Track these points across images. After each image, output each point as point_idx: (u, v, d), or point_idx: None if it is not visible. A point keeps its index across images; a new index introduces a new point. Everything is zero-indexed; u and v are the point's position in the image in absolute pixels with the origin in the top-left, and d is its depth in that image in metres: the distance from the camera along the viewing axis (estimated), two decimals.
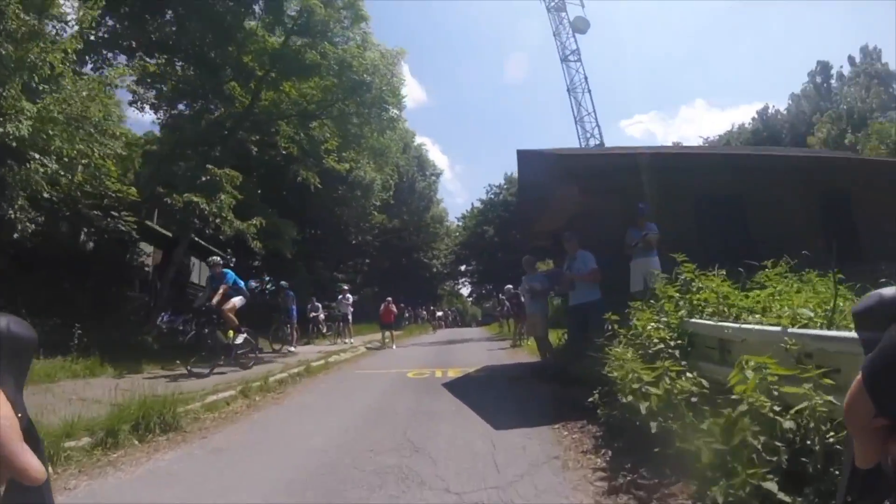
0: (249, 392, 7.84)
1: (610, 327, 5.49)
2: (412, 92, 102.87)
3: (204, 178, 12.84)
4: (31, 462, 0.65)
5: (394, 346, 17.02)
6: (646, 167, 8.42)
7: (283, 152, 19.32)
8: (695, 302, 4.92)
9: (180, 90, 17.68)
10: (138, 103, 18.59)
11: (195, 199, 11.83)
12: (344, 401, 7.27)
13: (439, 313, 41.75)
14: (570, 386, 6.64)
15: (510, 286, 16.74)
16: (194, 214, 12.21)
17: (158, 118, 19.65)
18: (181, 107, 19.34)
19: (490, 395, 7.04)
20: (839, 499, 0.91)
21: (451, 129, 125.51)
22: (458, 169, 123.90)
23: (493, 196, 54.03)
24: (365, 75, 16.11)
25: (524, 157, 10.94)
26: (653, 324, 4.70)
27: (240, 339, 10.07)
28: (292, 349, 14.84)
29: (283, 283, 16.08)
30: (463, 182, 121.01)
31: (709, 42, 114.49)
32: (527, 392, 7.15)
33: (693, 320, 4.54)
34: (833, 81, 44.65)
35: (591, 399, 4.76)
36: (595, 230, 8.45)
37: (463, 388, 7.73)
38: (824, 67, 45.30)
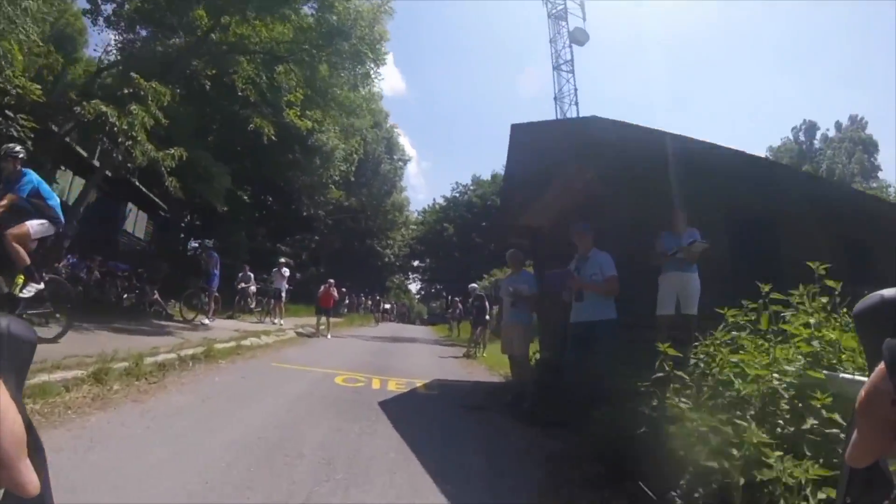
0: (107, 376, 5.47)
1: (666, 367, 3.46)
2: (392, 81, 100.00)
3: (126, 91, 10.23)
4: (29, 478, 0.66)
5: (328, 336, 14.65)
6: (682, 157, 6.47)
7: (241, 94, 16.71)
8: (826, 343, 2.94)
9: (143, 11, 15.02)
10: (93, 15, 16.17)
11: (104, 108, 9.20)
12: (232, 413, 4.98)
13: (387, 305, 39.52)
14: (562, 438, 4.59)
15: (475, 285, 14.54)
16: (103, 130, 9.60)
17: (116, 40, 17.17)
18: (142, 33, 17.12)
19: (447, 435, 4.88)
20: (839, 499, 0.92)
21: (424, 124, 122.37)
22: (424, 165, 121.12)
23: (458, 195, 52.28)
24: (347, 21, 13.92)
25: (520, 132, 8.89)
26: (776, 377, 2.65)
27: (29, 291, 5.98)
28: (206, 322, 12.34)
29: (206, 241, 13.45)
30: (427, 178, 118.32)
31: (689, 84, 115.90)
32: (499, 435, 5.01)
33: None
34: (816, 142, 45.14)
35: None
36: (604, 229, 6.43)
37: (407, 415, 5.54)
38: (811, 126, 45.82)
